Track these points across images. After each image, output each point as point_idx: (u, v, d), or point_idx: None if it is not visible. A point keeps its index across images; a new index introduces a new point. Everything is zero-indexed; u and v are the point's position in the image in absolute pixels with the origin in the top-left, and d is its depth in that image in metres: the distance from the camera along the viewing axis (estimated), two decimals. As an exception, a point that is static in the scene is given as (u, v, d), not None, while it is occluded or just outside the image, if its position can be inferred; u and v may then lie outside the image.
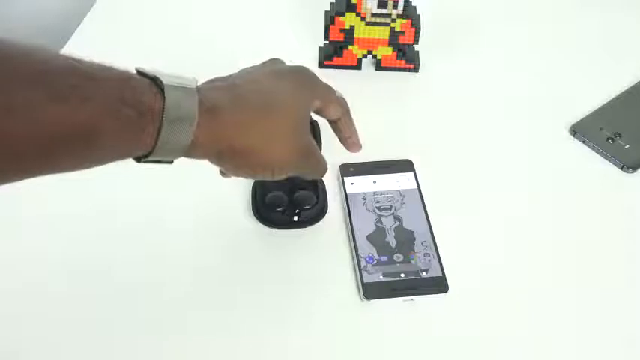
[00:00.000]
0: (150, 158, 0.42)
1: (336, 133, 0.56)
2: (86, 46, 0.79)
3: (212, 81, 0.47)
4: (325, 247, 0.58)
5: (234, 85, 0.47)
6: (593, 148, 0.68)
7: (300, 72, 0.52)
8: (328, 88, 0.53)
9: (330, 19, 0.72)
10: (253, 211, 0.60)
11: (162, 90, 0.41)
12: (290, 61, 0.74)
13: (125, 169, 0.63)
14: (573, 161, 0.67)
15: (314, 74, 0.52)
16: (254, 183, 0.61)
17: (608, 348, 0.52)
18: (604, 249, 0.59)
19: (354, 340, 0.52)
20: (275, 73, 0.50)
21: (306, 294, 0.55)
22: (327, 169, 0.54)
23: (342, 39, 0.74)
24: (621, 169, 0.66)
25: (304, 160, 0.50)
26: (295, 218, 0.59)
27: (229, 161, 0.46)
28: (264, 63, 0.52)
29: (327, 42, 0.74)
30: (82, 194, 0.61)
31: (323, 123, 0.66)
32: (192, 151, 0.43)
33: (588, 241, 0.60)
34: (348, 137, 0.56)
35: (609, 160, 0.66)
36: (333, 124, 0.55)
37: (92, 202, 0.61)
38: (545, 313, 0.54)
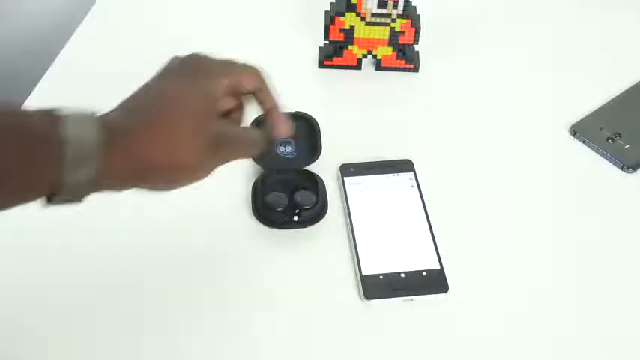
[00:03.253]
0: (59, 196, 0.39)
1: (260, 107, 0.52)
2: (86, 46, 0.79)
3: (114, 109, 0.45)
4: (325, 247, 0.58)
5: (128, 100, 0.45)
6: (593, 148, 0.68)
7: (189, 62, 0.49)
8: (229, 64, 0.50)
9: (330, 19, 0.72)
10: (253, 211, 0.60)
11: (61, 121, 0.39)
12: (290, 61, 0.74)
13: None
14: (573, 161, 0.67)
15: (206, 57, 0.49)
16: (254, 183, 0.61)
17: (608, 347, 0.52)
18: (604, 249, 0.59)
19: (354, 340, 0.52)
20: (163, 73, 0.48)
21: (306, 294, 0.55)
22: (260, 144, 0.50)
23: (342, 39, 0.74)
24: (621, 169, 0.66)
25: (222, 150, 0.47)
26: (295, 218, 0.59)
27: (145, 185, 0.44)
28: (163, 67, 0.50)
29: (327, 42, 0.74)
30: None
31: (324, 124, 0.67)
32: (100, 187, 0.41)
33: (588, 240, 0.60)
34: (269, 109, 0.51)
35: (609, 160, 0.66)
36: (253, 97, 0.51)
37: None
38: (545, 313, 0.54)
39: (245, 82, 0.50)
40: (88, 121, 0.40)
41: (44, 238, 0.58)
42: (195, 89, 0.47)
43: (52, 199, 0.40)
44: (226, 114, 0.50)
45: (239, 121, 0.51)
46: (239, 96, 0.51)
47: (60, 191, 0.39)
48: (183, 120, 0.45)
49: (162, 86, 0.47)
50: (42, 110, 0.40)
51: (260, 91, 0.51)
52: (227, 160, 0.48)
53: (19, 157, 0.37)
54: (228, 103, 0.50)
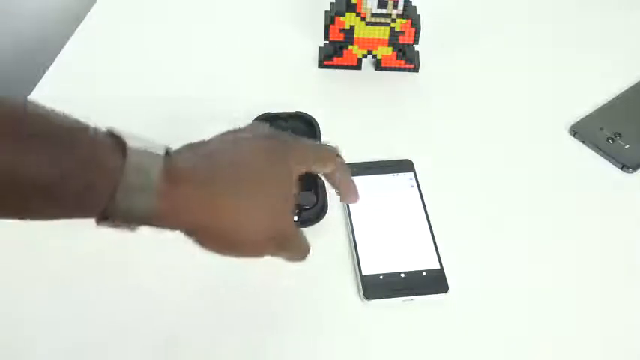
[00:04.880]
0: (107, 222, 0.40)
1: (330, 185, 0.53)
2: (86, 46, 0.79)
3: (188, 147, 0.44)
4: (325, 247, 0.58)
5: (209, 155, 0.44)
6: (593, 148, 0.68)
7: (278, 142, 0.47)
8: (310, 150, 0.50)
9: (330, 19, 0.72)
10: (253, 211, 0.60)
11: (126, 153, 0.39)
12: (290, 61, 0.73)
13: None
14: (573, 161, 0.67)
15: (293, 140, 0.49)
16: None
17: (609, 347, 0.52)
18: (604, 249, 0.59)
19: (354, 340, 0.52)
20: (254, 144, 0.46)
21: (307, 294, 0.55)
22: (307, 253, 0.50)
23: (342, 39, 0.74)
24: (621, 169, 0.66)
25: (280, 246, 0.47)
26: (295, 218, 0.59)
27: (195, 237, 0.43)
28: (244, 128, 0.48)
29: (327, 42, 0.74)
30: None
31: (324, 124, 0.67)
32: (153, 221, 0.40)
33: (588, 240, 0.60)
34: (341, 191, 0.53)
35: (609, 160, 0.66)
36: (327, 177, 0.52)
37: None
38: (545, 314, 0.54)
39: (320, 169, 0.50)
40: (153, 160, 0.40)
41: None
42: (277, 176, 0.45)
43: (102, 221, 0.40)
44: None
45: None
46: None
47: (109, 219, 0.39)
48: (263, 202, 0.44)
49: (249, 158, 0.45)
50: (113, 137, 0.40)
51: (333, 175, 0.51)
52: (277, 255, 0.48)
53: (77, 183, 0.37)
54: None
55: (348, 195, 0.54)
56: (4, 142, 0.35)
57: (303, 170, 0.48)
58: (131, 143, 0.39)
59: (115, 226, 0.40)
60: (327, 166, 0.50)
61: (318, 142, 0.50)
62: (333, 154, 0.51)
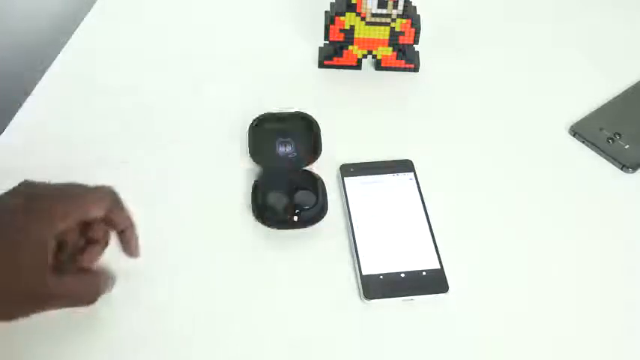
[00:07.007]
0: None
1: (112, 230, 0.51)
2: (86, 46, 0.79)
3: None
4: (325, 247, 0.58)
5: None
6: (593, 148, 0.68)
7: (38, 201, 0.45)
8: (74, 203, 0.46)
9: (330, 19, 0.72)
10: (253, 211, 0.60)
11: None
12: (290, 61, 0.73)
13: (125, 170, 0.63)
14: (573, 161, 0.67)
15: (58, 195, 0.46)
16: (254, 183, 0.61)
17: (608, 347, 0.52)
18: (604, 249, 0.59)
19: (354, 340, 0.52)
20: (11, 204, 0.45)
21: (306, 294, 0.55)
22: (93, 299, 0.48)
23: (342, 39, 0.74)
24: (621, 169, 0.66)
25: (41, 305, 0.45)
26: (295, 218, 0.59)
27: None
28: (10, 190, 0.47)
29: (327, 42, 0.74)
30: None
31: (324, 124, 0.67)
32: None
33: (588, 241, 0.60)
34: (122, 231, 0.50)
35: (609, 160, 0.66)
36: (106, 223, 0.50)
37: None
38: (545, 313, 0.54)
39: (91, 212, 0.47)
40: None
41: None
42: (38, 235, 0.44)
43: None
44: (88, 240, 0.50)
45: (95, 253, 0.50)
46: (92, 225, 0.49)
47: None
48: (14, 262, 0.43)
49: (5, 218, 0.44)
50: None
51: (110, 214, 0.48)
52: (50, 309, 0.46)
53: None
54: (74, 239, 0.48)
55: (127, 243, 0.51)
56: None
57: (71, 224, 0.46)
58: None
59: None
60: (95, 212, 0.47)
61: (92, 188, 0.48)
62: (102, 197, 0.48)
